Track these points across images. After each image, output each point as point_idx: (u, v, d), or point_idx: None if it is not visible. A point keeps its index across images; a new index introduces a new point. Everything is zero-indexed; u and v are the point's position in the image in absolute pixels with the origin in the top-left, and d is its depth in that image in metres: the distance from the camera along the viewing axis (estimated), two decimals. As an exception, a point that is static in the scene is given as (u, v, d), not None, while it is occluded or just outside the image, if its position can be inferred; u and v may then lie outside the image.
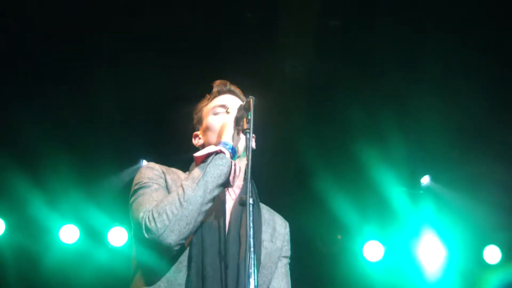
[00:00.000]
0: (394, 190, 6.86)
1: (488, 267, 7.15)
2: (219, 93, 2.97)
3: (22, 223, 6.97)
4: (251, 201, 2.29)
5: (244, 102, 2.67)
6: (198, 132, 2.98)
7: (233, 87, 3.00)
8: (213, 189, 2.44)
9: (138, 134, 6.32)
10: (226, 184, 2.51)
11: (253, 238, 2.22)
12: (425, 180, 7.13)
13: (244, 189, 2.34)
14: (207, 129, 2.85)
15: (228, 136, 2.65)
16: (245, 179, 2.37)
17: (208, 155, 2.54)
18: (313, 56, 5.70)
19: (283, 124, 6.00)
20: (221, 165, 2.49)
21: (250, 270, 2.15)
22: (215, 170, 2.47)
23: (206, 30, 5.52)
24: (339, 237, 7.50)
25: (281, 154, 6.20)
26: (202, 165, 2.51)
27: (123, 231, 7.02)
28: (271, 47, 5.54)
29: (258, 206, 2.78)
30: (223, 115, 2.84)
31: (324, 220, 7.21)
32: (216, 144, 2.64)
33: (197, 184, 2.42)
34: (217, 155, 2.52)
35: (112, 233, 7.02)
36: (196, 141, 2.97)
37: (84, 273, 6.92)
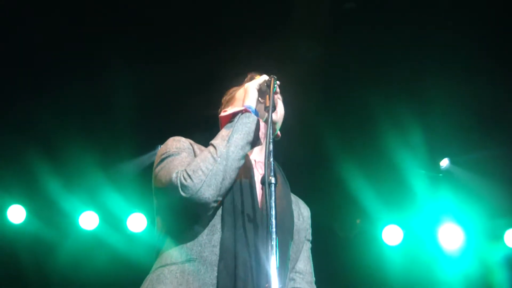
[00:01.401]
0: (413, 174, 6.82)
1: (509, 251, 7.09)
2: (253, 79, 2.89)
3: (42, 210, 7.05)
4: (273, 181, 2.26)
5: (267, 79, 2.67)
6: (227, 109, 2.93)
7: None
8: (243, 145, 2.46)
9: (156, 120, 6.34)
10: (255, 142, 2.51)
11: (275, 218, 2.20)
12: (445, 163, 7.06)
13: (267, 168, 2.32)
14: (236, 99, 2.84)
15: (251, 100, 2.64)
16: (265, 158, 2.33)
17: (234, 114, 2.56)
18: (329, 39, 5.65)
19: (301, 107, 5.96)
20: (249, 122, 2.50)
21: (272, 249, 2.12)
22: (243, 128, 2.48)
23: (222, 14, 5.50)
24: (358, 221, 7.49)
25: (299, 138, 6.14)
26: (229, 124, 2.53)
27: (142, 217, 7.06)
28: (287, 29, 5.50)
29: (286, 183, 2.78)
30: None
31: (343, 204, 7.20)
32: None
33: (227, 141, 2.43)
34: (243, 114, 2.53)
35: (131, 219, 7.07)
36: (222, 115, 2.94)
37: (104, 259, 6.98)
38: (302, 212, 2.85)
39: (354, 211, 7.30)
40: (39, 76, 5.98)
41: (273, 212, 2.20)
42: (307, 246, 2.85)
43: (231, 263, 2.31)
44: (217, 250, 2.36)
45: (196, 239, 2.40)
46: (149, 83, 5.94)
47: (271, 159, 2.34)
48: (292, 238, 2.62)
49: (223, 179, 2.35)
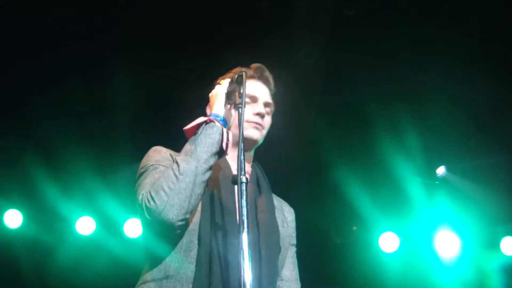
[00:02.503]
0: (410, 181, 6.83)
1: (505, 258, 7.10)
2: (252, 77, 2.83)
3: (39, 215, 7.03)
4: (244, 180, 2.21)
5: (237, 76, 2.60)
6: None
7: (267, 74, 2.88)
8: (207, 158, 2.38)
9: (153, 125, 6.34)
10: (220, 152, 2.45)
11: (246, 217, 2.14)
12: (441, 170, 7.08)
13: (247, 170, 2.29)
14: (210, 100, 2.72)
15: (218, 107, 2.57)
16: (238, 157, 2.28)
17: (198, 126, 2.48)
18: (327, 43, 5.67)
19: (298, 112, 5.98)
20: (212, 133, 2.42)
21: (244, 255, 2.08)
22: (206, 139, 2.40)
23: (220, 18, 5.51)
24: (355, 228, 7.49)
25: (295, 144, 6.18)
26: (192, 137, 2.45)
27: (139, 222, 7.05)
28: (285, 34, 5.51)
29: (269, 190, 2.73)
30: (248, 106, 2.72)
31: (340, 211, 7.20)
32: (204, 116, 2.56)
33: (190, 156, 2.36)
34: (207, 125, 2.46)
35: (128, 225, 7.06)
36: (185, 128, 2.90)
37: (100, 264, 6.96)
38: (286, 217, 2.81)
39: (351, 217, 7.30)
40: (36, 80, 5.98)
41: (244, 212, 2.15)
42: (292, 251, 2.80)
43: (205, 281, 2.29)
44: (193, 267, 2.33)
45: (174, 256, 2.37)
46: (147, 88, 5.95)
47: (242, 157, 2.27)
48: (280, 251, 2.58)
49: (186, 197, 2.29)
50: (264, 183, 2.72)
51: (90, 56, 5.73)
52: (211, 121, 2.47)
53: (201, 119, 2.50)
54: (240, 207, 2.16)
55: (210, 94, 2.71)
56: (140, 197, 2.33)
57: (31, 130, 6.38)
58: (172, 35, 5.64)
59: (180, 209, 2.27)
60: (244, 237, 2.10)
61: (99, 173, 6.70)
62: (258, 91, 2.80)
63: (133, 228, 7.05)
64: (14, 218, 6.96)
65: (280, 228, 2.67)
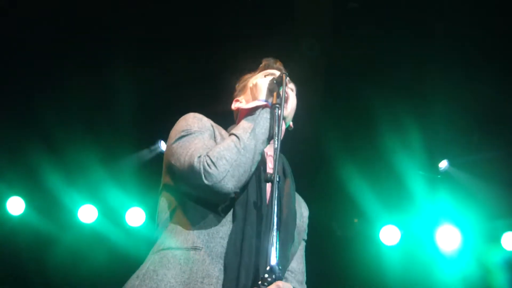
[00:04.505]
0: (412, 175, 6.82)
1: (506, 253, 7.10)
2: (268, 66, 2.94)
3: (41, 202, 7.06)
4: (277, 179, 2.27)
5: (277, 76, 2.65)
6: (239, 98, 2.93)
7: (281, 66, 2.97)
8: (264, 140, 2.44)
9: (156, 114, 6.35)
10: (271, 138, 2.49)
11: (277, 216, 2.21)
12: (443, 164, 7.07)
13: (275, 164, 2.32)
14: (254, 87, 2.76)
15: (267, 96, 2.63)
16: (274, 156, 2.32)
17: (256, 108, 2.53)
18: (331, 38, 5.66)
19: (300, 107, 5.97)
20: (269, 118, 2.48)
21: (272, 247, 2.14)
22: (264, 123, 2.46)
23: (224, 12, 5.50)
24: (356, 220, 7.50)
25: (298, 137, 6.16)
26: (250, 117, 2.50)
27: (141, 211, 7.08)
28: (287, 26, 5.50)
29: (292, 177, 2.75)
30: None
31: (341, 203, 7.20)
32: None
33: (250, 133, 2.40)
34: (264, 109, 2.51)
35: (130, 214, 7.09)
36: (236, 105, 2.92)
37: (102, 252, 6.99)
38: (302, 212, 2.84)
39: (352, 210, 7.30)
40: (41, 70, 5.99)
41: (275, 210, 2.21)
42: (302, 245, 2.83)
43: (236, 259, 2.26)
44: (224, 242, 2.31)
45: (204, 228, 2.35)
46: (150, 79, 5.95)
47: (278, 155, 2.31)
48: (293, 240, 2.59)
49: (244, 171, 2.33)
50: (289, 170, 2.75)
51: (94, 47, 5.74)
52: (267, 106, 2.53)
53: (259, 102, 2.56)
54: (273, 205, 2.22)
55: (254, 82, 2.76)
56: (195, 159, 2.28)
57: (35, 118, 6.40)
58: (174, 28, 5.64)
59: (238, 182, 2.31)
60: (274, 229, 2.18)
61: (102, 161, 6.72)
62: (277, 72, 2.87)
63: (135, 217, 7.07)
64: (16, 205, 7.00)
65: (298, 221, 2.69)
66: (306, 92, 6.05)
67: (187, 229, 2.37)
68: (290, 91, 2.83)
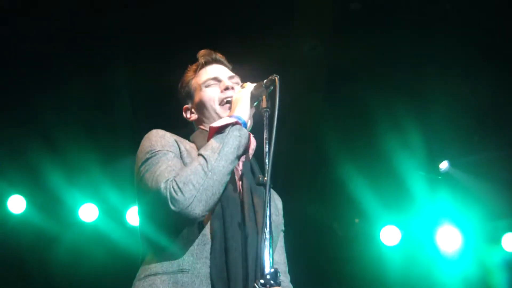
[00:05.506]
0: (413, 175, 6.82)
1: (506, 254, 7.10)
2: (206, 64, 2.91)
3: (42, 201, 7.06)
4: (268, 182, 2.26)
5: (266, 80, 2.59)
6: (189, 106, 2.91)
7: (219, 56, 2.95)
8: (233, 160, 2.41)
9: (156, 114, 6.35)
10: (242, 156, 2.49)
11: (270, 218, 2.21)
12: (444, 165, 7.07)
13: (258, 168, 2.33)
14: (201, 103, 2.78)
15: (242, 110, 2.58)
16: (267, 159, 2.32)
17: (225, 126, 2.48)
18: (331, 39, 5.66)
19: (301, 106, 5.98)
20: (239, 136, 2.45)
21: (266, 249, 2.17)
22: (234, 141, 2.43)
23: (224, 12, 5.50)
24: (357, 221, 7.50)
25: (299, 137, 6.18)
26: (219, 136, 2.45)
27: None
28: (289, 26, 5.50)
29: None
30: (215, 87, 2.79)
31: (342, 203, 7.20)
32: (229, 116, 2.57)
33: (218, 154, 2.37)
34: (234, 126, 2.47)
35: (130, 212, 7.09)
36: (188, 115, 2.91)
37: (103, 251, 7.00)
38: (277, 205, 2.86)
39: (353, 211, 7.31)
40: (41, 69, 6.00)
41: (268, 213, 2.22)
42: (281, 236, 2.84)
43: (222, 277, 2.28)
44: (209, 261, 2.33)
45: (187, 249, 2.35)
46: (150, 79, 5.96)
47: (271, 159, 2.32)
48: (273, 237, 2.59)
49: (212, 194, 2.31)
50: (257, 169, 2.73)
51: (94, 47, 5.75)
52: (237, 123, 2.49)
53: (228, 120, 2.51)
54: (267, 206, 2.23)
55: (233, 98, 2.72)
56: (162, 185, 2.27)
57: (36, 117, 6.40)
58: (173, 27, 5.64)
59: (206, 205, 2.29)
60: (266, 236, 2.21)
61: (103, 160, 6.72)
62: (217, 71, 2.87)
63: (136, 216, 7.06)
64: (17, 204, 7.00)
65: (274, 216, 2.68)
66: (307, 93, 6.09)
67: (170, 252, 2.37)
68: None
